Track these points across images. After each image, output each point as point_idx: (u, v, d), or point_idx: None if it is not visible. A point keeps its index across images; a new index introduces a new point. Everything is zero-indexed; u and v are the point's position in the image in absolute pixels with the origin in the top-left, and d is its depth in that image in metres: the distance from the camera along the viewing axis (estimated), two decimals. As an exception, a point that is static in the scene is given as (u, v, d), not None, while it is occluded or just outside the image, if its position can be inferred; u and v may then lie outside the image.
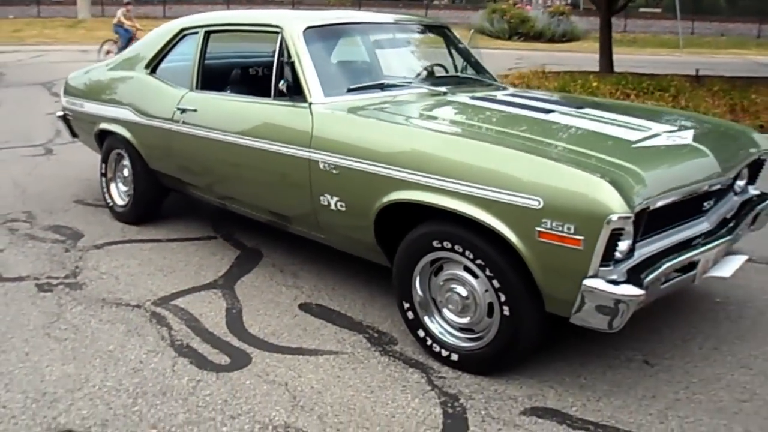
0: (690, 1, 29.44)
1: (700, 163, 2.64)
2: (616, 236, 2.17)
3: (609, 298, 2.17)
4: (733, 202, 3.04)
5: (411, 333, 2.81)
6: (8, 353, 2.76)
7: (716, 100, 8.51)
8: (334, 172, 2.89)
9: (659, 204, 2.37)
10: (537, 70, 11.72)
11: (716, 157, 2.68)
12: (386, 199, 2.70)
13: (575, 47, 23.76)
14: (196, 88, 3.82)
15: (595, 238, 2.15)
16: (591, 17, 22.90)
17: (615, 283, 2.20)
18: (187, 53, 3.93)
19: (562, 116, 2.99)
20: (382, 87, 3.36)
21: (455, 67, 3.91)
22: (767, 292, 3.37)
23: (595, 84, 9.47)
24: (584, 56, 17.98)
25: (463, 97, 3.31)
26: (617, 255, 2.24)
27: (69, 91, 4.88)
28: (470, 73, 3.94)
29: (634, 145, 2.64)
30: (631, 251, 2.32)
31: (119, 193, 4.51)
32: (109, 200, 4.53)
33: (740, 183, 3.12)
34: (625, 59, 15.11)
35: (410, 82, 3.52)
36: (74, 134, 5.09)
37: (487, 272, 2.46)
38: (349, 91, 3.23)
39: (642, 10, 34.05)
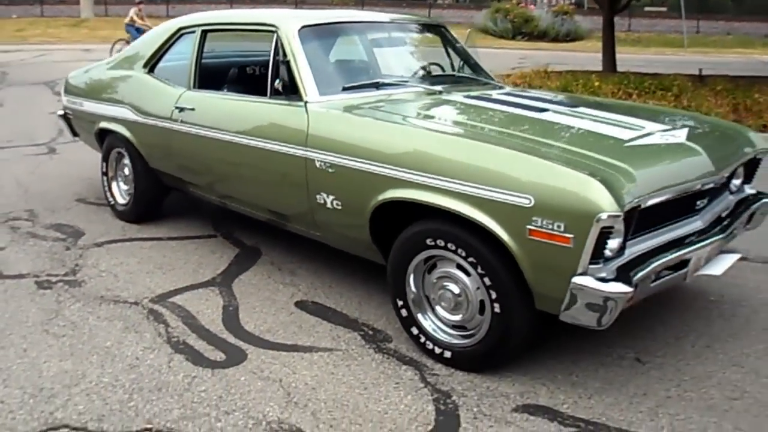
0: (696, 0, 29.34)
1: (692, 162, 2.65)
2: (605, 234, 2.19)
3: (598, 296, 2.19)
4: (728, 200, 3.05)
5: (405, 330, 2.83)
6: (7, 349, 2.79)
7: (719, 99, 8.48)
8: (330, 170, 2.91)
9: (650, 202, 2.38)
10: (539, 69, 11.71)
11: (709, 155, 2.68)
12: (381, 198, 2.72)
13: (579, 47, 23.73)
14: (194, 87, 3.84)
15: (585, 236, 2.16)
16: (595, 16, 22.84)
17: (604, 280, 2.21)
18: (185, 52, 3.96)
19: (556, 115, 3.01)
20: (378, 86, 3.38)
21: (452, 66, 3.92)
22: (762, 291, 3.37)
23: (596, 83, 9.46)
24: (588, 56, 17.97)
25: (458, 96, 3.32)
26: (607, 253, 2.26)
27: (69, 90, 4.92)
28: (467, 72, 3.96)
29: (626, 144, 2.65)
30: (621, 249, 2.33)
31: (120, 192, 4.55)
32: (110, 199, 4.57)
33: (736, 182, 3.13)
34: (628, 59, 15.09)
35: (406, 81, 3.54)
36: (75, 133, 5.13)
37: (479, 270, 2.47)
38: (345, 89, 3.25)
39: (647, 9, 33.99)
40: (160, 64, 4.18)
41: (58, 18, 28.70)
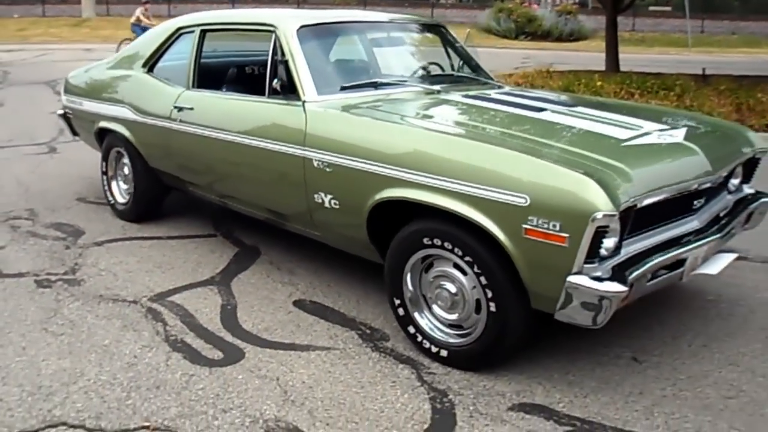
0: (701, 0, 29.25)
1: (689, 162, 2.65)
2: (601, 234, 2.19)
3: (593, 295, 2.19)
4: (726, 200, 3.04)
5: (402, 329, 2.84)
6: (5, 347, 2.81)
7: (722, 99, 8.45)
8: (328, 170, 2.92)
9: (647, 202, 2.38)
10: (542, 69, 11.70)
11: (707, 155, 2.68)
12: (378, 197, 2.73)
13: (583, 46, 23.70)
14: (193, 86, 3.85)
15: (580, 235, 2.17)
16: (599, 16, 22.76)
17: (599, 279, 2.21)
18: (184, 52, 3.97)
19: (554, 115, 3.01)
20: (376, 85, 3.38)
21: (451, 65, 3.93)
22: (760, 291, 3.37)
23: (599, 83, 9.44)
24: (591, 55, 17.94)
25: (456, 96, 3.33)
26: (603, 252, 2.26)
27: (69, 89, 4.93)
28: (466, 71, 3.96)
29: (623, 144, 2.65)
30: (617, 248, 2.34)
31: (120, 191, 4.56)
32: (110, 198, 4.58)
33: (734, 181, 3.12)
34: (632, 58, 15.04)
35: (404, 81, 3.54)
36: (75, 132, 5.15)
37: (475, 269, 2.48)
38: (343, 89, 3.25)
39: (651, 8, 33.88)
40: (160, 64, 4.20)
41: (60, 18, 28.72)
